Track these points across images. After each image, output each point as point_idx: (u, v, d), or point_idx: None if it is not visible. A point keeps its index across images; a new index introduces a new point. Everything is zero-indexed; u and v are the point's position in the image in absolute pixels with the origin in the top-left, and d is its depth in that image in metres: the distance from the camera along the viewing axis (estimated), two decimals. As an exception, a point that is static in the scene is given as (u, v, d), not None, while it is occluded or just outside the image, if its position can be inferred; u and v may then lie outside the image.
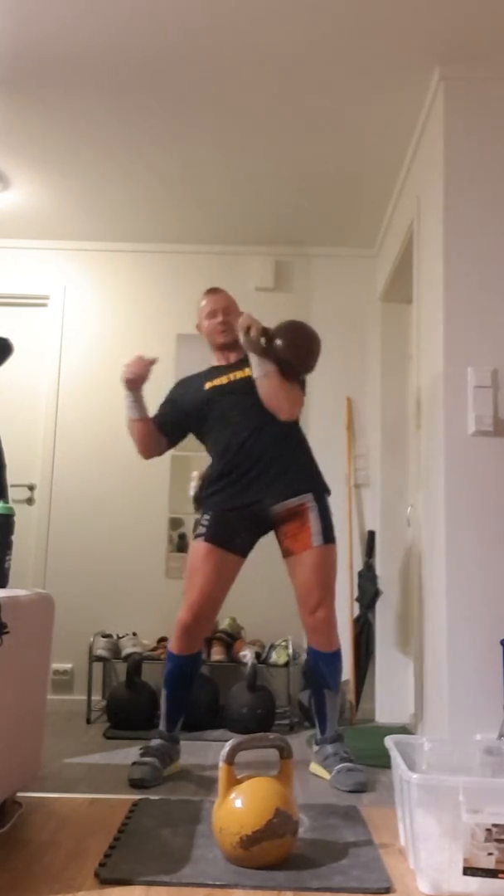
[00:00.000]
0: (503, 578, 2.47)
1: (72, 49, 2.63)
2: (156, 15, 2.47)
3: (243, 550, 2.61)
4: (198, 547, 2.57)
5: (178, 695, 2.56)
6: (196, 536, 2.59)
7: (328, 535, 2.55)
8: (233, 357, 2.77)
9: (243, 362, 2.71)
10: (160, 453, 2.79)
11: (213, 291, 2.80)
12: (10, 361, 3.24)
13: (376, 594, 3.75)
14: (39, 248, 4.18)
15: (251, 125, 3.07)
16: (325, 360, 4.05)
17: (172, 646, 2.54)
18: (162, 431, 2.76)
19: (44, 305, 4.16)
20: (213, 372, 2.76)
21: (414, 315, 3.14)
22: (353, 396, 4.02)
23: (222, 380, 2.70)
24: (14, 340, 3.24)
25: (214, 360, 2.82)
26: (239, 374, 2.69)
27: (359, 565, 3.86)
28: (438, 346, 2.65)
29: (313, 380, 4.08)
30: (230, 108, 2.97)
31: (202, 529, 2.58)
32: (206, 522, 2.59)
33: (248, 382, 2.62)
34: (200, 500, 2.67)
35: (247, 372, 2.66)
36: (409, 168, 3.26)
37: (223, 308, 2.75)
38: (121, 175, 3.48)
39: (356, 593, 3.81)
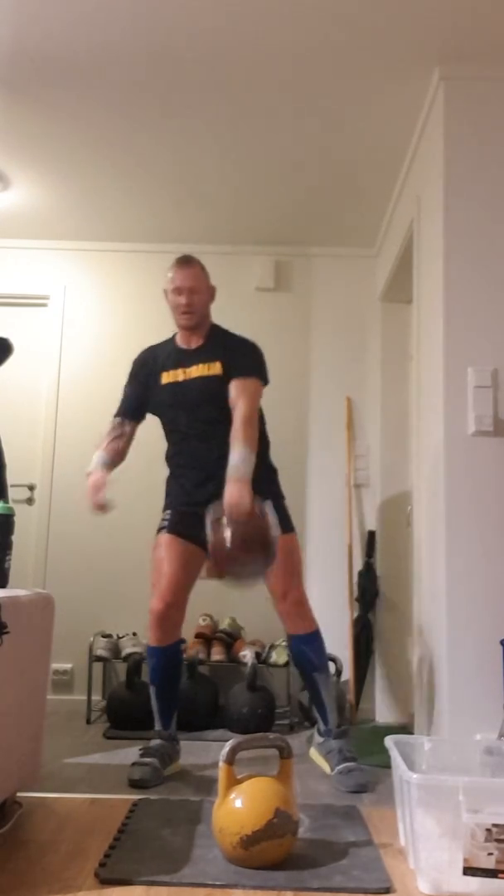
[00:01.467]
0: (503, 578, 2.47)
1: (72, 49, 2.64)
2: (156, 15, 2.47)
3: (205, 543, 2.51)
4: (161, 539, 2.63)
5: (166, 689, 2.56)
6: (159, 531, 2.66)
7: (286, 525, 2.54)
8: (193, 342, 2.68)
9: (201, 352, 2.64)
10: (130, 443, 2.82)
11: (182, 264, 2.63)
12: (10, 361, 3.25)
13: (376, 594, 3.75)
14: (39, 247, 4.18)
15: (251, 125, 3.07)
16: (326, 361, 4.05)
17: (150, 639, 2.54)
18: (127, 417, 2.80)
19: (44, 305, 4.16)
20: (173, 357, 2.69)
21: (414, 315, 3.14)
22: (353, 396, 4.02)
23: (178, 375, 2.66)
24: (14, 340, 3.25)
25: (178, 337, 2.74)
26: (194, 372, 2.63)
27: (359, 565, 3.86)
28: (438, 345, 2.65)
29: (314, 380, 4.09)
30: (230, 109, 2.97)
31: (164, 523, 2.66)
32: (167, 517, 2.67)
33: (202, 383, 2.60)
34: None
35: (202, 369, 2.61)
36: (409, 168, 3.26)
37: (189, 287, 2.60)
38: (121, 175, 3.48)
39: (356, 593, 3.81)
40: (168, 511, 2.69)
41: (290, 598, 2.52)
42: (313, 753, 2.58)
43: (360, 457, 3.96)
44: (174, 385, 2.67)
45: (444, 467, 2.53)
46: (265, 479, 2.59)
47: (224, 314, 4.09)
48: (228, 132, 3.12)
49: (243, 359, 2.61)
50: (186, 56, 2.67)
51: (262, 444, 2.59)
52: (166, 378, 2.69)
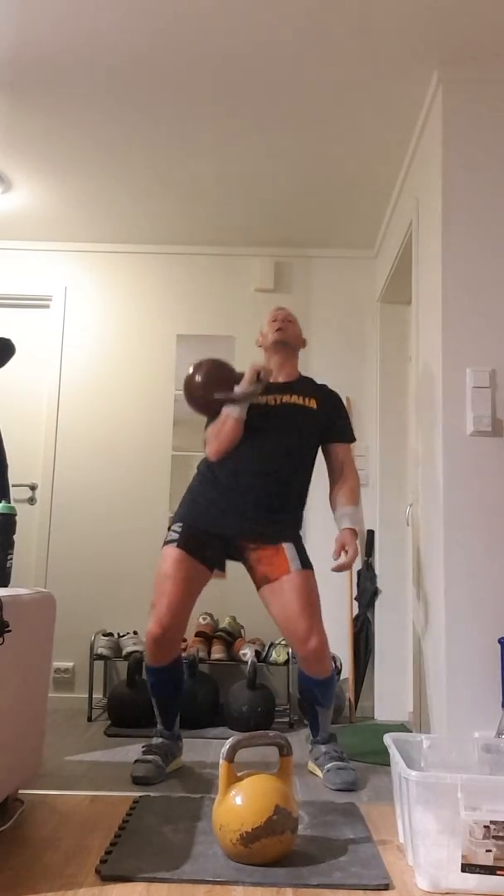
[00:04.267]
0: (502, 577, 2.48)
1: (73, 51, 2.65)
2: (156, 17, 2.48)
3: (212, 565, 2.55)
4: (170, 553, 2.50)
5: (167, 700, 2.54)
6: (168, 542, 2.52)
7: (306, 563, 2.50)
8: (282, 376, 2.73)
9: (294, 385, 2.70)
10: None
11: (279, 307, 2.85)
12: (12, 362, 3.26)
13: (375, 593, 3.76)
14: (41, 249, 4.19)
15: (251, 127, 3.08)
16: (326, 361, 4.07)
17: (148, 659, 2.48)
18: None
19: (45, 307, 4.17)
20: (268, 386, 2.69)
21: (413, 316, 3.15)
22: (353, 396, 4.03)
23: (269, 400, 2.65)
24: (16, 341, 3.27)
25: None
26: (287, 399, 2.66)
27: (358, 565, 3.87)
28: (437, 346, 2.67)
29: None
30: (230, 111, 2.98)
31: (175, 536, 2.52)
32: (178, 530, 2.53)
33: (296, 410, 2.63)
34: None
35: (296, 399, 2.66)
36: (408, 170, 3.27)
37: (283, 317, 2.78)
38: (122, 177, 3.49)
39: (356, 592, 3.83)
40: (180, 525, 2.55)
41: (312, 644, 2.39)
42: (310, 766, 2.59)
43: (359, 457, 3.97)
44: (263, 407, 2.63)
45: (443, 467, 2.55)
46: (292, 527, 2.58)
47: (224, 315, 4.12)
48: (228, 135, 3.13)
49: (344, 422, 2.74)
50: (187, 59, 2.68)
51: (305, 491, 2.65)
52: (262, 397, 2.65)
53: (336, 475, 2.71)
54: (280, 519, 2.55)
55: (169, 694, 2.53)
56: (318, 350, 4.08)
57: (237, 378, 2.58)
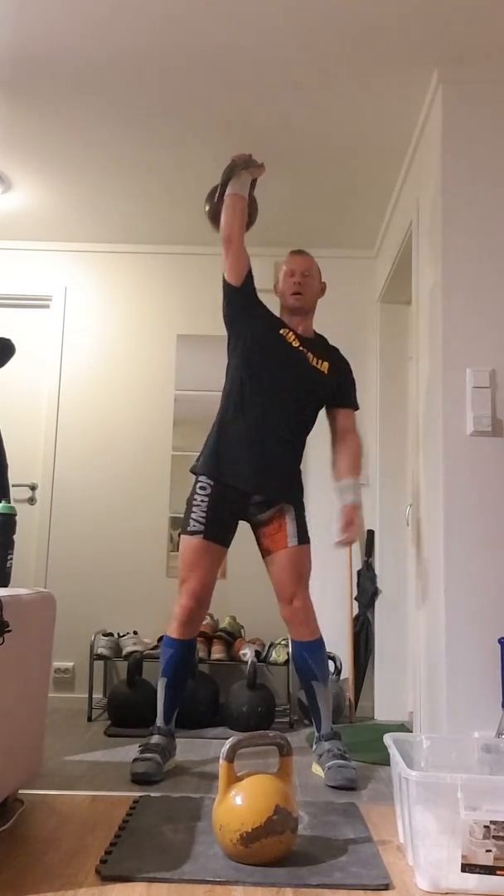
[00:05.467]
0: (501, 577, 2.48)
1: (73, 51, 2.65)
2: (156, 17, 2.48)
3: (229, 543, 2.66)
4: (194, 543, 2.57)
5: (177, 682, 2.57)
6: (192, 533, 2.57)
7: (303, 538, 2.62)
8: (302, 330, 2.74)
9: (312, 343, 2.73)
10: (243, 235, 2.77)
11: (296, 253, 2.81)
12: (12, 362, 3.26)
13: (375, 593, 3.76)
14: (41, 249, 4.19)
15: (251, 127, 3.08)
16: (325, 361, 4.06)
17: (175, 631, 2.55)
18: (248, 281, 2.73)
19: (45, 307, 4.18)
20: (286, 326, 2.71)
21: (413, 316, 3.15)
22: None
23: (294, 340, 2.68)
24: (16, 341, 3.27)
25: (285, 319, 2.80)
26: (305, 352, 2.68)
27: (358, 564, 3.87)
28: (437, 346, 2.67)
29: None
30: (230, 111, 2.98)
31: (199, 527, 2.56)
32: (201, 520, 2.57)
33: (310, 367, 2.67)
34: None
35: (312, 358, 2.69)
36: (407, 170, 3.27)
37: (302, 270, 2.74)
38: (122, 177, 3.49)
39: (356, 592, 3.83)
40: (205, 483, 2.58)
41: (297, 603, 2.56)
42: (314, 767, 2.60)
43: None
44: (288, 344, 2.67)
45: (443, 467, 2.55)
46: (297, 487, 2.67)
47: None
48: (228, 134, 3.14)
49: (353, 387, 2.79)
50: (186, 59, 2.68)
51: (301, 452, 2.71)
52: (283, 331, 2.69)
53: (338, 439, 2.76)
54: (285, 475, 2.63)
55: (182, 673, 2.57)
56: (318, 350, 4.07)
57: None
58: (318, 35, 2.54)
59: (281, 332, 2.69)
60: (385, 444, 3.89)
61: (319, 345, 2.76)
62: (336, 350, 2.81)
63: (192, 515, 2.59)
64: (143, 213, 3.85)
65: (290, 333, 2.70)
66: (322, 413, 2.79)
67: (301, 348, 2.69)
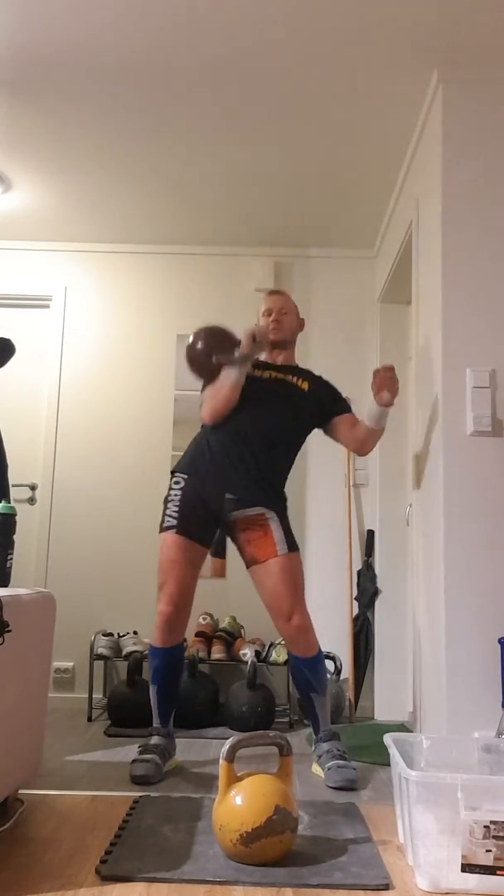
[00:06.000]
0: (501, 577, 2.48)
1: (73, 51, 2.65)
2: (156, 18, 2.48)
3: (208, 542, 2.64)
4: (170, 539, 2.57)
5: (168, 689, 2.57)
6: (166, 529, 2.59)
7: (292, 545, 2.58)
8: (280, 359, 2.82)
9: (289, 368, 2.80)
10: None
11: (272, 293, 2.92)
12: (12, 362, 3.26)
13: (375, 593, 3.76)
14: (41, 249, 4.19)
15: (251, 127, 3.08)
16: (326, 361, 4.06)
17: (156, 640, 2.54)
18: None
19: (45, 307, 4.18)
20: (263, 364, 2.80)
21: (413, 316, 3.15)
22: (353, 397, 4.01)
23: (264, 373, 2.74)
24: (16, 341, 3.26)
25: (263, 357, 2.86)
26: (281, 376, 2.75)
27: (358, 564, 3.87)
28: (437, 347, 2.67)
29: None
30: (230, 111, 2.98)
31: (172, 522, 2.58)
32: (174, 514, 2.59)
33: (288, 387, 2.71)
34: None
35: (290, 379, 2.75)
36: (408, 170, 3.27)
37: (278, 308, 2.82)
38: (122, 177, 3.49)
39: (356, 592, 3.83)
40: (175, 507, 2.61)
41: (295, 621, 2.50)
42: (314, 768, 2.60)
43: (359, 457, 3.97)
44: (257, 381, 2.71)
45: (443, 467, 2.55)
46: (276, 497, 2.65)
47: (224, 315, 4.12)
48: (229, 135, 3.14)
49: (339, 398, 2.83)
50: (186, 59, 2.68)
51: (285, 470, 2.71)
52: (258, 372, 2.74)
53: (348, 435, 2.77)
54: (263, 486, 2.62)
55: (171, 680, 2.56)
56: (319, 350, 4.08)
57: (236, 342, 2.63)
58: (319, 35, 2.54)
59: (256, 373, 2.74)
60: (385, 445, 3.88)
61: (300, 370, 2.81)
62: (316, 375, 2.84)
63: (167, 511, 2.63)
64: (144, 213, 3.85)
65: (267, 371, 2.76)
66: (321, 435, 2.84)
67: (279, 374, 2.75)
